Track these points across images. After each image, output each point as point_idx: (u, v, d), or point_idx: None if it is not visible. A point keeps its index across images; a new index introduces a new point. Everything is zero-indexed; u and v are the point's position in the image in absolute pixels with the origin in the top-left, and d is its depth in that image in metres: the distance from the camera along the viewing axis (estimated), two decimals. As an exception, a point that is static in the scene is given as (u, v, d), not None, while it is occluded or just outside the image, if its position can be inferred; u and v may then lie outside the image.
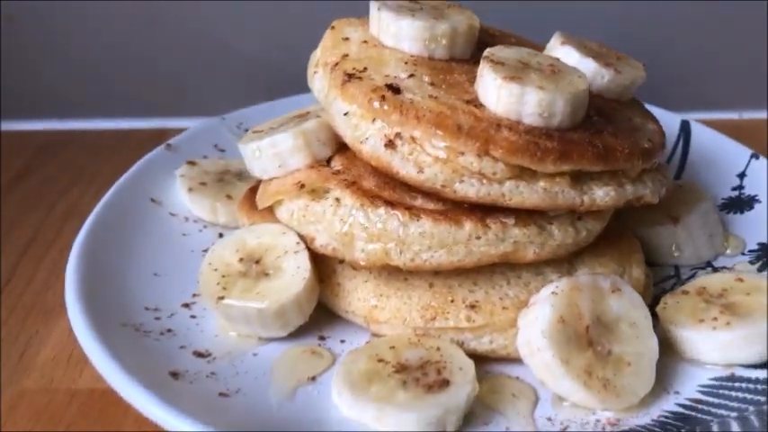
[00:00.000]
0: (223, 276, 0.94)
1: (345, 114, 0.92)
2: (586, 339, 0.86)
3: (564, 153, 0.88)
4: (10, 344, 1.03)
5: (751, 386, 0.87)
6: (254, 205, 1.03)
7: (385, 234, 0.90)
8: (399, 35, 0.96)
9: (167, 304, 0.98)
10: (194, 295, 0.99)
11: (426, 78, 0.92)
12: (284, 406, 0.86)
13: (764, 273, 1.04)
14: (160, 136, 1.38)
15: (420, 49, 0.96)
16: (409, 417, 0.80)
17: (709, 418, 0.84)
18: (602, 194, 0.92)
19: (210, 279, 0.94)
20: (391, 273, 0.94)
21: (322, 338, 0.97)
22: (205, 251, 1.03)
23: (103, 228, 1.05)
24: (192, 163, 1.21)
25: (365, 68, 0.93)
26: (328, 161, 0.99)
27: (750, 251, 1.10)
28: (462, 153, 0.87)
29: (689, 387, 0.89)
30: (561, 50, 1.01)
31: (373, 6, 0.99)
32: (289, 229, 0.97)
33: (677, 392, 0.88)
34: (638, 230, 1.07)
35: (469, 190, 0.88)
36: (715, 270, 1.07)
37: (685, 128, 1.34)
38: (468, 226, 0.89)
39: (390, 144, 0.89)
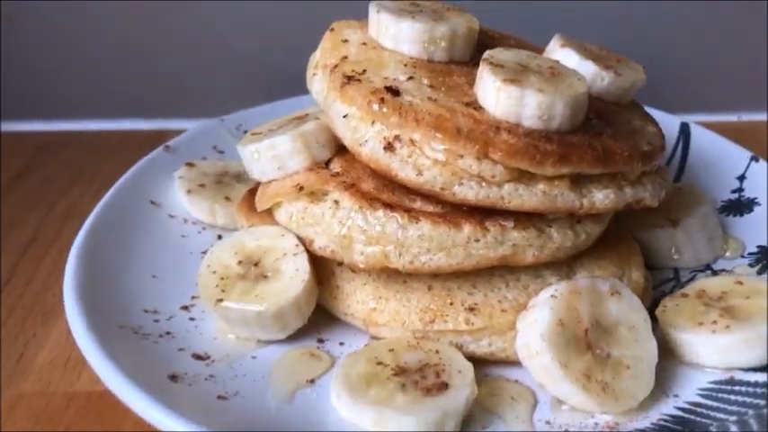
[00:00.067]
0: (222, 279, 0.94)
1: (344, 117, 0.92)
2: (585, 342, 0.86)
3: (563, 156, 0.87)
4: (8, 345, 1.03)
5: (750, 390, 0.87)
6: (252, 207, 1.03)
7: (384, 237, 0.90)
8: (399, 37, 0.96)
9: (166, 306, 0.98)
10: (193, 297, 0.99)
11: (425, 81, 0.92)
12: (283, 408, 0.86)
13: (764, 276, 1.04)
14: (160, 137, 1.39)
15: (419, 52, 0.96)
16: (408, 420, 0.80)
17: (708, 421, 0.84)
18: (601, 197, 0.92)
19: (209, 281, 0.94)
20: (390, 275, 0.94)
21: (321, 341, 0.96)
22: (204, 253, 1.03)
23: (102, 230, 1.05)
24: (190, 164, 1.21)
25: (364, 71, 0.93)
26: (327, 163, 0.99)
27: (749, 254, 1.10)
28: (461, 156, 0.87)
29: (688, 390, 0.89)
30: (561, 53, 1.01)
31: (372, 8, 0.99)
32: (288, 232, 0.97)
33: (676, 396, 0.88)
34: (638, 233, 1.07)
35: (468, 193, 0.88)
36: (714, 273, 1.07)
37: (685, 130, 1.34)
38: (467, 229, 0.89)
39: (389, 146, 0.89)
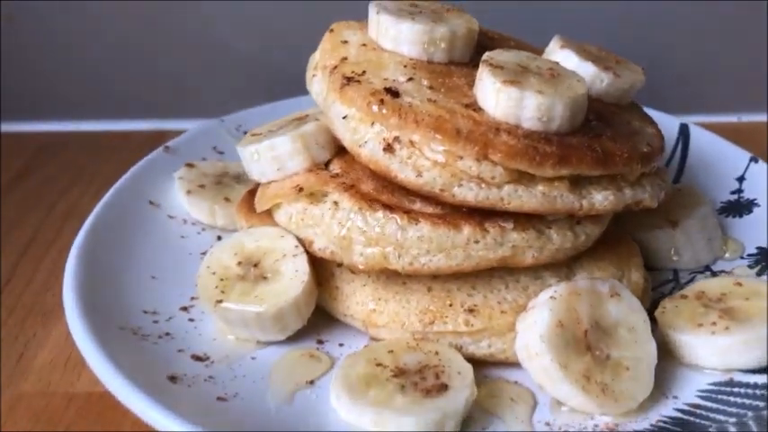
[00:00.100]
0: (221, 280, 0.94)
1: (344, 118, 0.92)
2: (585, 344, 0.86)
3: (563, 157, 0.87)
4: (8, 346, 1.03)
5: (750, 391, 0.87)
6: (252, 208, 1.03)
7: (383, 238, 0.90)
8: (398, 38, 0.96)
9: (165, 307, 0.98)
10: (192, 298, 0.99)
11: (425, 82, 0.92)
12: (282, 410, 0.86)
13: (763, 277, 1.04)
14: (160, 137, 1.39)
15: (419, 53, 0.96)
16: (407, 421, 0.80)
17: (707, 423, 0.84)
18: (600, 199, 0.92)
19: (209, 282, 0.94)
20: (390, 276, 0.94)
21: (320, 342, 0.96)
22: (203, 254, 1.03)
23: (102, 230, 1.05)
24: (190, 165, 1.21)
25: (364, 72, 0.93)
26: (327, 164, 0.99)
27: (749, 255, 1.10)
28: (461, 157, 0.87)
29: (687, 392, 0.89)
30: (560, 54, 1.01)
31: (372, 9, 0.99)
32: (287, 233, 0.97)
33: (676, 397, 0.88)
34: (637, 234, 1.07)
35: (468, 194, 0.88)
36: (714, 274, 1.07)
37: (684, 131, 1.34)
38: (467, 230, 0.89)
39: (389, 148, 0.89)
